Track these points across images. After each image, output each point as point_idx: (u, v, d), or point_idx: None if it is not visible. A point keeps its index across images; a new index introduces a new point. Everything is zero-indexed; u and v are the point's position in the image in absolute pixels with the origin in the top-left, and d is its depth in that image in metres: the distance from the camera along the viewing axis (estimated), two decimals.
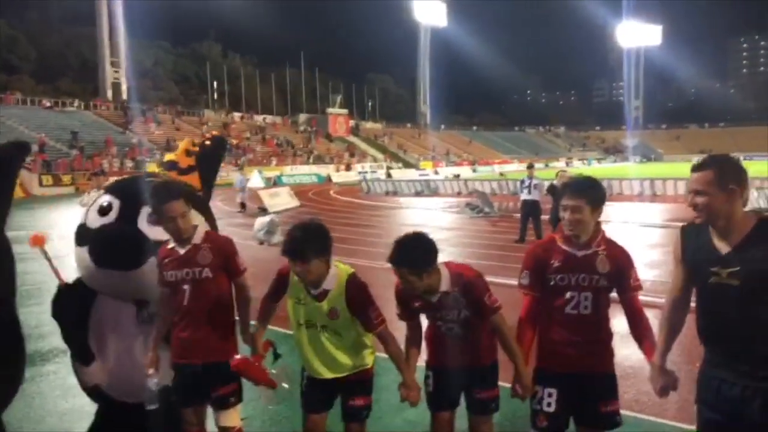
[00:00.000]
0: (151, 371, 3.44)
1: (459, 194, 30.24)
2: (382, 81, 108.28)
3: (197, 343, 3.42)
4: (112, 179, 6.66)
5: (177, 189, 3.49)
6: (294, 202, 25.02)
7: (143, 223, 3.61)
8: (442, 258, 3.22)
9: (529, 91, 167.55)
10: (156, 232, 3.56)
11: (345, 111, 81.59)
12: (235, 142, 58.97)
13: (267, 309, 3.50)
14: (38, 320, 6.15)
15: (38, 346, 6.01)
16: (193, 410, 3.52)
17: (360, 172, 53.13)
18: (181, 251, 3.41)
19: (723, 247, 2.49)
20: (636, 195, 27.29)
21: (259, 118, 73.13)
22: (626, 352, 5.70)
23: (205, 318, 3.43)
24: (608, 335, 3.15)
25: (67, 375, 4.87)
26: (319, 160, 62.44)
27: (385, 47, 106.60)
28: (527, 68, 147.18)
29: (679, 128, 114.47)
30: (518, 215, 14.80)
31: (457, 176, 46.82)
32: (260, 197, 23.11)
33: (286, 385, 3.53)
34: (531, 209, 13.72)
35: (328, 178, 51.08)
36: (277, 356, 3.64)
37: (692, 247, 2.60)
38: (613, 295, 3.11)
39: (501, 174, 42.82)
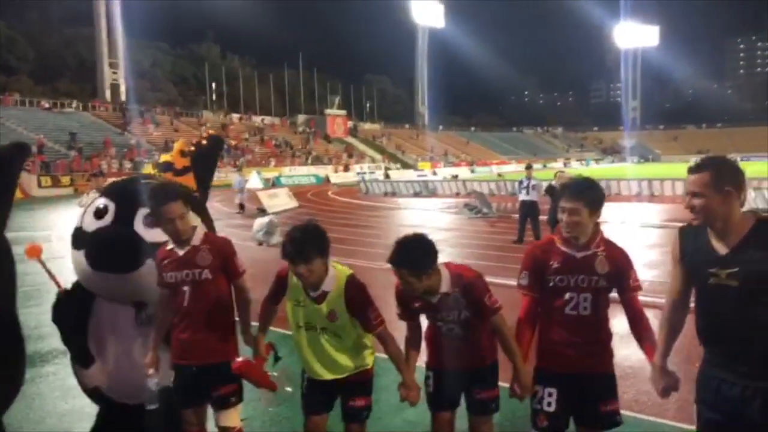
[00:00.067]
0: (150, 371, 3.44)
1: (457, 195, 30.28)
2: (380, 82, 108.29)
3: (197, 344, 3.42)
4: (111, 180, 6.64)
5: (175, 190, 3.49)
6: (293, 203, 25.03)
7: (139, 226, 3.60)
8: (441, 258, 3.22)
9: (526, 92, 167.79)
10: (152, 235, 3.56)
11: (343, 112, 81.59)
12: (233, 143, 58.96)
13: (267, 312, 3.50)
14: (38, 321, 6.15)
15: (38, 347, 6.01)
16: (194, 411, 3.52)
17: (358, 173, 53.15)
18: (180, 252, 3.40)
19: (721, 248, 2.49)
20: (634, 195, 27.33)
21: (257, 119, 73.14)
22: (626, 352, 5.71)
23: (205, 319, 3.43)
24: (608, 335, 3.16)
25: (66, 376, 4.87)
26: (318, 161, 62.45)
27: (383, 48, 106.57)
28: (525, 69, 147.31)
29: (677, 129, 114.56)
30: (516, 216, 14.82)
31: (455, 177, 46.84)
32: (259, 198, 23.11)
33: (289, 389, 3.55)
34: (529, 210, 13.74)
35: (327, 179, 51.09)
36: (278, 359, 3.64)
37: (691, 248, 2.60)
38: (614, 295, 3.12)
39: (499, 175, 42.84)
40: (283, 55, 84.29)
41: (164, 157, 4.57)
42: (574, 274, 3.02)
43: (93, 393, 3.82)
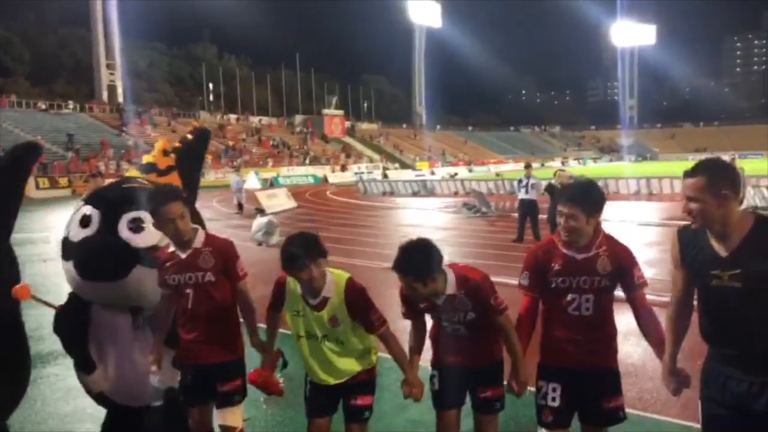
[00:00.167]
0: (153, 368, 3.44)
1: (456, 194, 30.26)
2: (378, 82, 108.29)
3: (202, 344, 3.42)
4: (109, 181, 6.58)
5: (174, 191, 3.48)
6: (291, 203, 25.02)
7: (125, 232, 3.56)
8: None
9: (524, 91, 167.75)
10: (139, 239, 3.53)
11: (341, 112, 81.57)
12: (231, 143, 58.93)
13: (272, 320, 3.47)
14: (38, 323, 6.11)
15: (38, 348, 5.96)
16: (199, 410, 3.52)
17: (356, 173, 53.14)
18: (183, 255, 3.38)
19: (722, 250, 2.48)
20: (632, 194, 27.36)
21: (254, 120, 73.12)
22: (629, 349, 5.75)
23: (209, 320, 3.42)
24: (611, 333, 3.16)
25: (67, 377, 4.87)
26: (316, 161, 62.43)
27: (380, 48, 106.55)
28: (522, 68, 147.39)
29: (674, 127, 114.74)
30: (515, 215, 14.82)
31: (453, 175, 46.84)
32: (257, 198, 23.10)
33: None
34: (528, 209, 13.73)
35: (325, 179, 51.07)
36: (285, 364, 3.63)
37: (691, 250, 2.60)
38: (618, 293, 3.11)
39: (497, 174, 42.85)
40: (280, 55, 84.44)
41: (146, 158, 4.45)
42: (575, 276, 3.01)
43: (98, 397, 3.81)
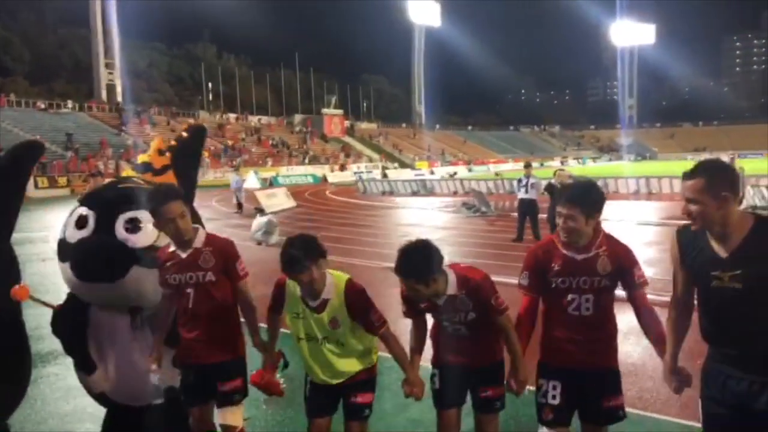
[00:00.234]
0: (153, 367, 3.44)
1: (455, 194, 30.25)
2: (377, 81, 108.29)
3: (203, 343, 3.42)
4: (108, 181, 6.56)
5: (174, 189, 3.46)
6: (290, 203, 25.01)
7: (121, 232, 3.54)
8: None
9: (523, 91, 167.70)
10: (136, 239, 3.52)
11: (340, 111, 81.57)
12: (230, 143, 58.92)
13: (273, 321, 3.47)
14: (38, 322, 6.08)
15: (38, 347, 5.94)
16: (200, 409, 3.52)
17: (356, 173, 53.13)
18: (183, 255, 3.37)
19: (722, 251, 2.48)
20: (632, 193, 27.37)
21: (254, 119, 73.11)
22: (629, 349, 5.75)
23: (210, 320, 3.41)
24: (611, 332, 3.16)
25: (67, 376, 4.86)
26: (315, 160, 62.42)
27: (379, 48, 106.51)
28: (521, 68, 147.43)
29: (674, 127, 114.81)
30: (515, 214, 14.82)
31: (453, 175, 46.82)
32: (257, 198, 23.09)
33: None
34: (528, 208, 13.73)
35: (324, 179, 51.07)
36: (286, 365, 3.62)
37: (691, 251, 2.60)
38: (618, 292, 3.11)
39: (496, 174, 42.82)
40: (279, 55, 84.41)
41: (142, 158, 4.41)
42: (575, 277, 3.01)
43: (99, 397, 3.81)
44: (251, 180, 37.90)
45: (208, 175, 47.81)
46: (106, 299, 3.60)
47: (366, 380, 3.37)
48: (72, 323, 3.67)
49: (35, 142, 3.68)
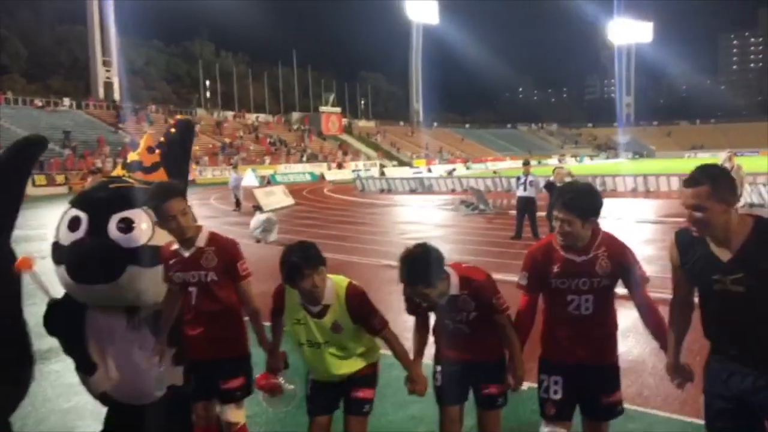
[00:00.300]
0: (156, 359, 3.46)
1: (453, 192, 30.25)
2: (375, 79, 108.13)
3: (207, 341, 3.42)
4: (99, 181, 6.49)
5: (175, 187, 3.46)
6: (289, 201, 25.00)
7: (115, 233, 3.52)
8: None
9: (521, 89, 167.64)
10: (129, 239, 3.50)
11: (338, 109, 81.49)
12: (228, 141, 58.86)
13: (276, 324, 3.47)
14: (37, 320, 6.10)
15: (39, 345, 5.87)
16: (203, 405, 3.53)
17: (354, 170, 53.11)
18: (186, 254, 3.37)
19: (723, 255, 2.49)
20: (629, 191, 27.39)
21: (251, 117, 72.98)
22: (629, 345, 5.77)
23: (213, 318, 3.42)
24: (611, 329, 3.18)
25: (68, 374, 4.85)
26: (313, 158, 62.37)
27: (377, 45, 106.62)
28: (519, 66, 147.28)
29: (671, 125, 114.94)
30: (513, 212, 14.83)
31: (451, 172, 46.81)
32: (255, 196, 23.08)
33: (291, 387, 3.53)
34: (527, 206, 13.75)
35: (322, 177, 51.04)
36: (286, 366, 3.62)
37: (691, 255, 2.60)
38: (618, 289, 3.12)
39: (494, 172, 42.84)
40: (277, 53, 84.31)
41: (131, 156, 4.34)
42: (574, 278, 3.02)
43: (101, 397, 3.79)
44: (249, 178, 37.83)
45: (206, 173, 47.78)
46: (104, 300, 3.59)
47: (368, 375, 3.37)
48: (66, 322, 3.66)
49: (38, 137, 3.64)
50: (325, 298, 3.17)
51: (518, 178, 14.31)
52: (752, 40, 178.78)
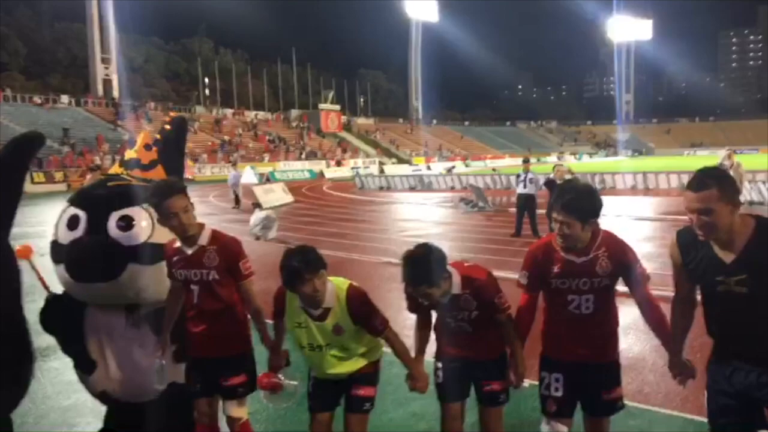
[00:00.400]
0: (159, 353, 3.46)
1: (452, 189, 30.26)
2: (374, 77, 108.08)
3: (210, 338, 3.42)
4: (97, 180, 6.47)
5: (177, 184, 3.42)
6: (288, 198, 24.99)
7: (114, 231, 3.50)
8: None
9: (520, 86, 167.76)
10: (129, 237, 3.49)
11: (337, 107, 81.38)
12: (227, 138, 58.80)
13: (279, 325, 3.46)
14: (37, 317, 6.11)
15: (38, 342, 5.86)
16: (206, 401, 3.52)
17: (353, 168, 53.08)
18: (188, 252, 3.36)
19: (726, 257, 2.49)
20: (629, 189, 27.40)
21: (251, 114, 72.89)
22: (629, 343, 5.77)
23: (215, 316, 3.41)
24: (612, 327, 3.18)
25: (67, 371, 4.84)
26: (312, 156, 62.33)
27: (376, 43, 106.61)
28: (519, 63, 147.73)
29: (670, 122, 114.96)
30: (512, 210, 14.84)
31: (450, 169, 46.75)
32: (254, 193, 23.07)
33: (294, 382, 3.52)
34: (526, 203, 13.74)
35: (321, 174, 51.01)
36: (288, 363, 3.62)
37: (693, 256, 2.60)
38: (619, 287, 3.12)
39: (493, 169, 42.81)
40: (276, 50, 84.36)
41: (129, 154, 4.33)
42: (575, 279, 3.02)
43: (101, 396, 3.77)
44: (248, 175, 37.80)
45: (205, 170, 47.74)
46: (104, 298, 3.57)
47: (369, 374, 3.37)
48: (63, 319, 3.65)
49: (35, 133, 3.62)
50: (326, 301, 3.16)
51: (518, 176, 14.31)
52: (752, 37, 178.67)
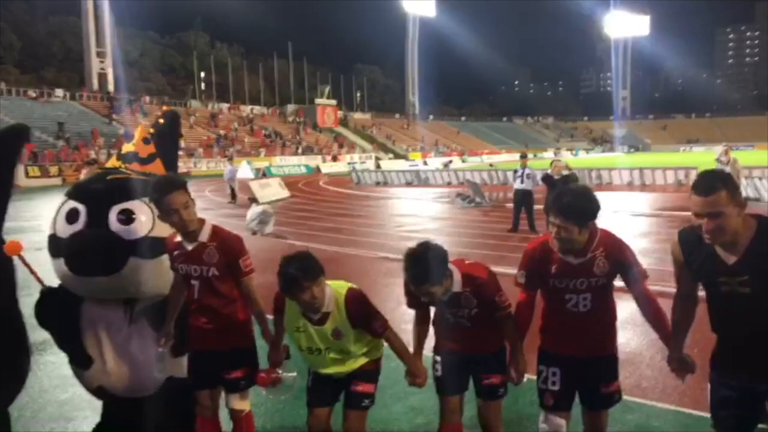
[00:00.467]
0: (162, 341, 3.46)
1: (449, 184, 30.24)
2: (371, 71, 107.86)
3: (211, 332, 3.41)
4: (95, 173, 6.43)
5: (178, 180, 3.40)
6: (284, 193, 24.94)
7: (115, 224, 3.47)
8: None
9: (517, 82, 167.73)
10: (130, 231, 3.46)
11: (333, 102, 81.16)
12: (223, 133, 58.65)
13: (278, 321, 3.44)
14: (32, 311, 6.08)
15: (34, 336, 5.87)
16: (207, 393, 3.52)
17: (349, 163, 53.01)
18: (189, 248, 3.34)
19: (729, 257, 2.49)
20: (625, 185, 27.45)
21: (246, 109, 72.69)
22: (627, 337, 5.78)
23: (216, 311, 3.41)
24: (610, 322, 3.19)
25: (64, 365, 4.82)
26: (308, 150, 62.23)
27: (373, 38, 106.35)
28: (515, 59, 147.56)
29: (666, 118, 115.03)
30: (509, 205, 14.86)
31: (447, 164, 46.74)
32: (250, 188, 23.01)
33: (293, 374, 3.52)
34: (524, 199, 13.77)
35: (317, 169, 50.95)
36: (288, 357, 3.61)
37: (696, 256, 2.60)
38: (616, 282, 3.11)
39: (490, 165, 42.83)
40: (272, 45, 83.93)
41: (127, 147, 4.28)
42: (572, 279, 3.02)
43: (97, 391, 3.74)
44: (244, 170, 37.71)
45: (201, 165, 47.62)
46: (104, 292, 3.54)
47: (370, 371, 3.37)
48: (59, 313, 3.62)
49: (21, 126, 3.59)
50: (325, 305, 3.15)
51: (515, 171, 14.34)
52: (748, 34, 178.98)
